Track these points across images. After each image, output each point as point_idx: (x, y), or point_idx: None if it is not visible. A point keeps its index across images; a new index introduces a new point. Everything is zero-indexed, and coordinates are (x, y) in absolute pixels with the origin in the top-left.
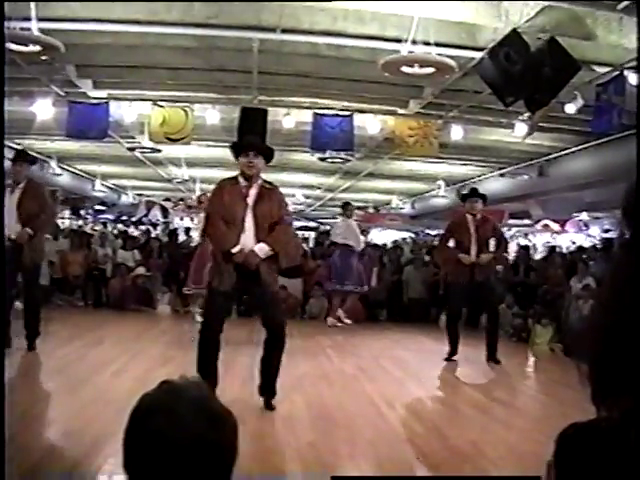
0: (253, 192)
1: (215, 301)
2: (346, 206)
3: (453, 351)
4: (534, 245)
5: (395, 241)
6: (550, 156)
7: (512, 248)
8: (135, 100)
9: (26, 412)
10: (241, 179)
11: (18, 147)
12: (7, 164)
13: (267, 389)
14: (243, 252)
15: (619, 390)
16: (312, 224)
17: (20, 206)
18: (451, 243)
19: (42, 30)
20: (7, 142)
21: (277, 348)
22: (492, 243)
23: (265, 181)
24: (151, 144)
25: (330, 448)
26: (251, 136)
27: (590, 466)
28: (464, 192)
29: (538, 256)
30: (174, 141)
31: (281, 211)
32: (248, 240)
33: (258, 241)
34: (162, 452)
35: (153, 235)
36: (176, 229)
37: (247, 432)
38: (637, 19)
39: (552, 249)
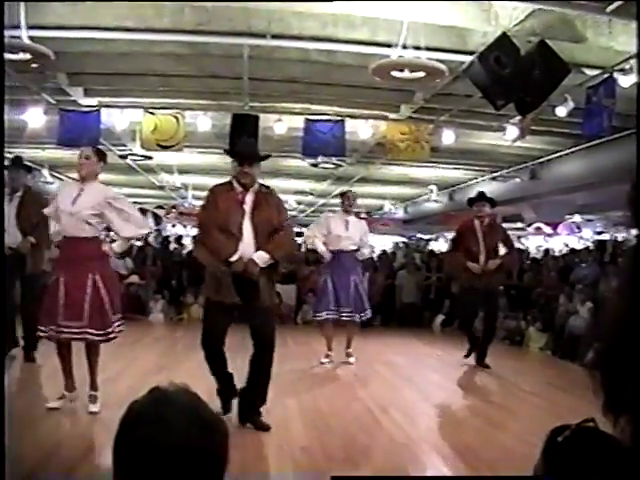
0: (250, 198)
1: (214, 315)
2: (343, 195)
3: (471, 350)
4: (527, 248)
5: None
6: (542, 159)
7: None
8: (126, 107)
9: (20, 420)
10: (236, 184)
11: (8, 155)
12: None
13: (253, 408)
14: (242, 261)
15: (634, 406)
16: (305, 230)
17: (19, 215)
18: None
19: (32, 38)
20: None
21: (265, 363)
22: (501, 248)
23: (262, 185)
24: (143, 151)
25: (324, 453)
26: (245, 141)
27: (577, 469)
28: (471, 196)
29: (531, 259)
30: (166, 148)
31: (281, 216)
32: (247, 248)
33: (258, 249)
34: (152, 459)
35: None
36: (168, 236)
37: (239, 438)
38: (637, 20)
39: (546, 252)
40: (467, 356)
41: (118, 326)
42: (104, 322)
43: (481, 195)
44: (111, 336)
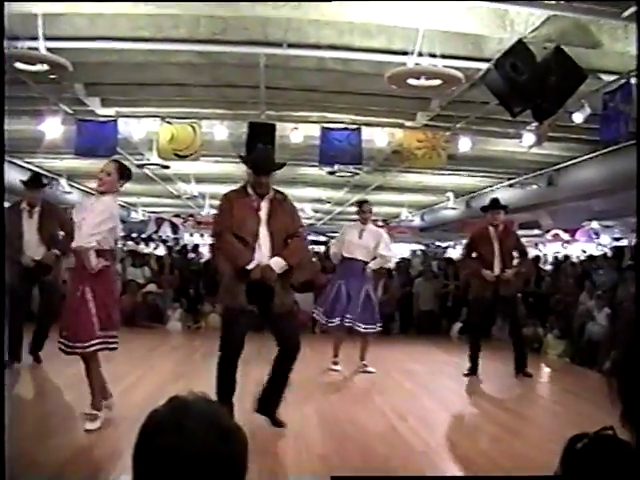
0: (265, 205)
1: (233, 320)
2: (360, 205)
3: (474, 367)
4: (545, 255)
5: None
6: (559, 165)
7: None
8: (143, 117)
9: (38, 429)
10: (250, 191)
11: (26, 165)
12: (19, 186)
13: (272, 405)
14: (259, 268)
15: None
16: (322, 238)
17: (41, 229)
18: (474, 255)
19: (50, 49)
20: (16, 160)
21: (288, 366)
22: (516, 255)
23: (277, 191)
24: (160, 161)
25: (341, 461)
26: (261, 149)
27: (595, 476)
28: (485, 204)
29: (549, 266)
30: (183, 157)
31: (295, 223)
32: (263, 255)
33: (273, 256)
34: (171, 468)
35: (164, 252)
36: (186, 245)
37: (258, 446)
38: (637, 24)
39: (566, 258)
40: (468, 375)
41: (104, 342)
42: (88, 333)
43: (495, 202)
44: (88, 350)
